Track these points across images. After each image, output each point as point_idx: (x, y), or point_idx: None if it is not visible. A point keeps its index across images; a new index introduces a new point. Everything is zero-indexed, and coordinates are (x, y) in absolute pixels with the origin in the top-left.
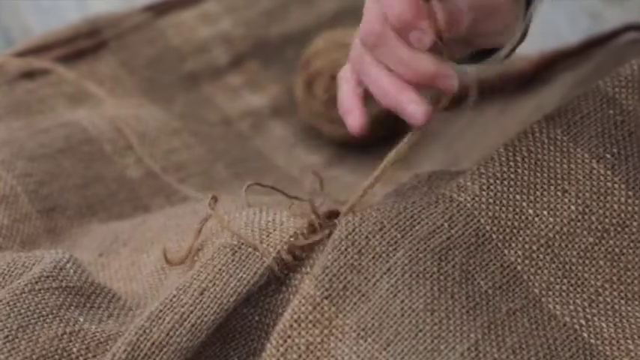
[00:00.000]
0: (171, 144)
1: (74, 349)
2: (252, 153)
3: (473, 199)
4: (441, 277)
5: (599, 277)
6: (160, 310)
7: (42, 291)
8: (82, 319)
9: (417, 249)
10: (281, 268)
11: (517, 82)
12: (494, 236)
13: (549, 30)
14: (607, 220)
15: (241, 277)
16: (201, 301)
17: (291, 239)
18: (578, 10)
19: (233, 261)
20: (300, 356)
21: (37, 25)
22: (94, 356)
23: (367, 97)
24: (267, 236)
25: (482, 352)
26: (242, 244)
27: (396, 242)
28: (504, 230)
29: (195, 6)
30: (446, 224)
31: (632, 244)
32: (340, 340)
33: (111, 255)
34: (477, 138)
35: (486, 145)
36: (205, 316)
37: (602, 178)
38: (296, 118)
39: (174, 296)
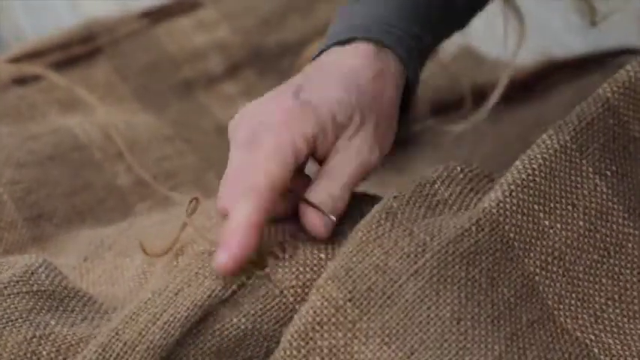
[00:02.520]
0: (163, 151)
1: (44, 352)
2: None
3: (497, 204)
4: (469, 283)
5: (602, 294)
6: (134, 313)
7: (11, 296)
8: (53, 322)
9: (446, 252)
10: (260, 265)
11: (511, 90)
12: (516, 244)
13: (544, 27)
14: (608, 239)
15: (216, 276)
16: (175, 300)
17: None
18: (569, 6)
19: (210, 264)
20: (322, 359)
21: (28, 25)
22: (65, 359)
23: None
24: None
25: None
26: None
27: (424, 244)
28: (525, 239)
29: (191, 13)
30: (473, 228)
31: (629, 265)
32: (364, 345)
33: (95, 260)
34: (473, 147)
35: (483, 154)
36: (178, 313)
37: (604, 196)
38: None
39: (149, 299)
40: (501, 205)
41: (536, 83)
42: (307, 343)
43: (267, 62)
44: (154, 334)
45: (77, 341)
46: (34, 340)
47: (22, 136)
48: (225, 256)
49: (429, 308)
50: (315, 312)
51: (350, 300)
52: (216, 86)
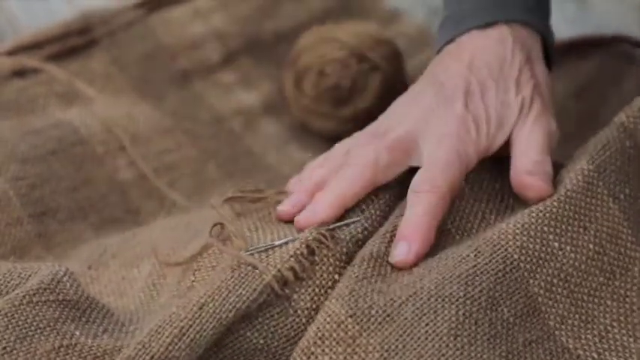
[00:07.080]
0: (164, 144)
1: None
2: (244, 152)
3: (499, 230)
4: (467, 302)
5: (607, 315)
6: (159, 326)
7: (40, 303)
8: (78, 333)
9: (444, 277)
10: (281, 285)
11: None
12: (521, 265)
13: None
14: (615, 262)
15: (240, 293)
16: (200, 315)
17: (291, 259)
18: None
19: (232, 277)
20: None
21: (23, 14)
22: None
23: (355, 93)
24: (267, 257)
25: None
26: (241, 263)
27: (422, 276)
28: (531, 260)
29: (187, 2)
30: (472, 255)
31: (634, 288)
32: None
33: (100, 268)
34: None
35: None
36: (204, 330)
37: (616, 219)
38: (288, 115)
39: (174, 313)
40: (502, 230)
41: None
42: (309, 357)
43: (263, 50)
44: (180, 350)
45: (102, 353)
46: (62, 349)
47: (23, 130)
48: (407, 249)
49: (427, 325)
50: (317, 328)
51: (351, 316)
52: (213, 75)
